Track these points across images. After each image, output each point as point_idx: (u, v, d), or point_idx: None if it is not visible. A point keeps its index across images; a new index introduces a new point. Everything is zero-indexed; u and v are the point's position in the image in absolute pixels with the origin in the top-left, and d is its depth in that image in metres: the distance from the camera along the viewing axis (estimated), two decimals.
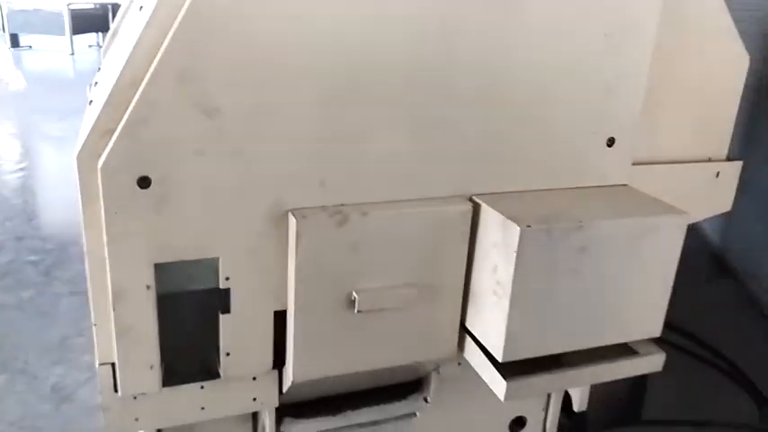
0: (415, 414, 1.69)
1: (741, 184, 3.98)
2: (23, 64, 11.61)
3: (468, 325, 1.36)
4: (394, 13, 1.15)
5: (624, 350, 1.43)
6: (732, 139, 1.90)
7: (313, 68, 1.13)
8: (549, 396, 1.85)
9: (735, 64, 1.76)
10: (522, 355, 1.26)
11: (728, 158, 1.88)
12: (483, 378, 1.33)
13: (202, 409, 1.30)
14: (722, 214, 4.24)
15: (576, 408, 1.77)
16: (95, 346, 1.20)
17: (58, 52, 12.35)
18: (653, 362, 1.39)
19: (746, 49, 1.77)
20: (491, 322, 1.27)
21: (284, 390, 1.34)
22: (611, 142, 1.40)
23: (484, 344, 1.31)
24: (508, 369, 1.28)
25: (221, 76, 1.06)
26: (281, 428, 1.45)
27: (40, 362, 2.74)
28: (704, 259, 4.24)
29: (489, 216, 1.26)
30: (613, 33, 1.31)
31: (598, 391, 2.08)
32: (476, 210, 1.29)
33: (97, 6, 12.62)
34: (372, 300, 1.24)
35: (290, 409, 1.47)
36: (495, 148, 1.31)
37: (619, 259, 1.26)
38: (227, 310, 1.21)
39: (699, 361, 3.05)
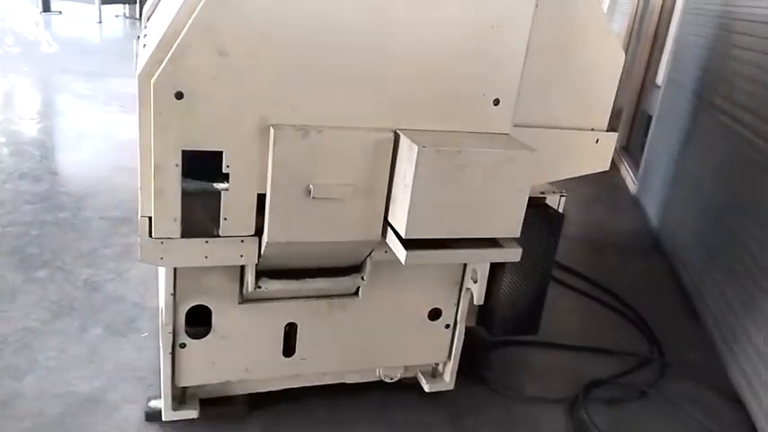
0: (357, 294, 2.34)
1: (679, 175, 4.82)
2: (53, 28, 12.25)
3: (389, 218, 2.00)
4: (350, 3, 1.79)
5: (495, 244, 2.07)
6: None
7: (288, 33, 1.76)
8: (459, 294, 2.50)
9: (612, 57, 2.38)
10: (419, 234, 1.90)
11: (608, 130, 2.50)
12: (393, 251, 1.97)
13: (206, 257, 1.95)
14: (661, 200, 4.91)
15: (475, 301, 2.41)
16: (139, 204, 1.85)
17: (86, 19, 13.01)
18: (512, 253, 2.03)
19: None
20: (400, 211, 1.91)
21: (262, 251, 1.98)
22: (496, 102, 2.03)
23: (395, 227, 1.95)
24: (410, 245, 1.93)
25: (230, 32, 1.70)
26: (259, 284, 2.10)
27: (74, 263, 3.40)
28: (643, 238, 4.88)
29: (404, 142, 1.90)
30: (498, 26, 1.94)
31: (504, 309, 2.72)
32: (396, 138, 1.93)
33: None
34: (323, 191, 1.88)
35: (266, 272, 2.12)
36: (415, 99, 1.95)
37: (486, 177, 1.89)
38: (226, 188, 1.85)
39: (607, 308, 3.69)
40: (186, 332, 2.19)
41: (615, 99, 2.50)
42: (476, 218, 1.95)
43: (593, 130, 2.47)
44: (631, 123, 6.94)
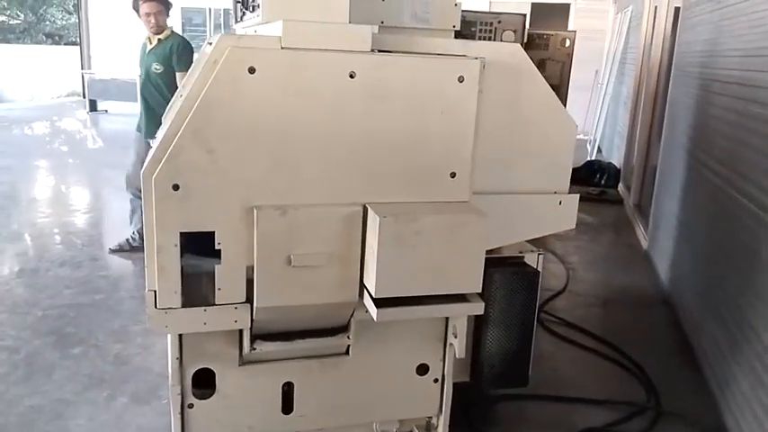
0: (347, 353, 2.60)
1: (680, 229, 5.08)
2: (99, 126, 13.21)
3: (364, 280, 2.27)
4: (320, 96, 2.13)
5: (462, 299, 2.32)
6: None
7: (265, 131, 2.11)
8: (444, 349, 2.72)
9: (565, 128, 2.66)
10: (388, 293, 2.16)
11: (570, 192, 2.76)
12: (369, 310, 2.23)
13: (204, 323, 2.24)
14: (668, 255, 5.08)
15: (457, 354, 2.62)
16: (146, 279, 2.17)
17: (129, 116, 13.96)
18: (475, 307, 2.27)
19: None
20: (370, 274, 2.19)
21: (254, 315, 2.26)
22: (453, 175, 2.32)
23: (367, 287, 2.22)
24: (381, 303, 2.19)
25: (216, 133, 2.06)
26: (254, 346, 2.38)
27: (106, 339, 3.74)
28: (652, 293, 5.00)
29: (370, 214, 2.19)
30: (446, 111, 2.26)
31: (491, 362, 2.92)
32: (365, 211, 2.23)
33: None
34: (302, 260, 2.18)
35: (261, 335, 2.40)
36: (380, 177, 2.26)
37: (442, 240, 2.16)
38: (219, 262, 2.17)
39: (609, 361, 3.82)
40: (193, 393, 2.46)
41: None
42: (438, 276, 2.21)
43: (555, 192, 2.73)
44: (642, 180, 7.13)
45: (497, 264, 2.87)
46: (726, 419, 3.18)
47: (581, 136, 12.61)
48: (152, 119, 5.05)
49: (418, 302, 2.24)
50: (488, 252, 2.56)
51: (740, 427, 3.00)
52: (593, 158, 9.85)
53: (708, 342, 3.67)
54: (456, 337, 2.63)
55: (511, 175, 2.63)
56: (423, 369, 2.73)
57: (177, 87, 4.82)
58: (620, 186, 8.38)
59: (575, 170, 7.61)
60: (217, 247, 2.16)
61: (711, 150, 4.11)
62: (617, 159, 9.08)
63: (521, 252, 2.97)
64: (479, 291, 2.28)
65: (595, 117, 11.55)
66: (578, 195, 2.77)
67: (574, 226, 2.80)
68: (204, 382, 2.48)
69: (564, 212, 2.76)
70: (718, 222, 3.85)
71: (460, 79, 2.24)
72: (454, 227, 2.17)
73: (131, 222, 5.34)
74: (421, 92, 2.23)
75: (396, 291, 2.18)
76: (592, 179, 8.59)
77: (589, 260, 5.72)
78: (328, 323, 2.47)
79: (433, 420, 2.86)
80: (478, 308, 2.29)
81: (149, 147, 4.76)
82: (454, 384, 2.84)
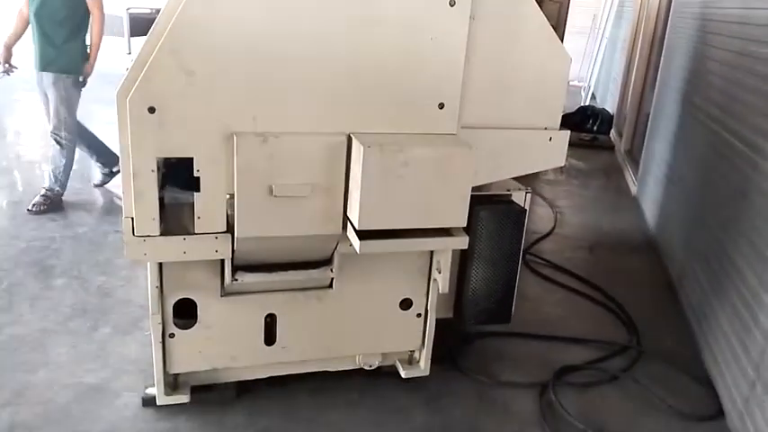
0: (331, 286, 2.57)
1: (669, 174, 5.03)
2: None
3: (347, 212, 2.23)
4: (301, 15, 2.04)
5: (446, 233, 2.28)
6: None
7: (247, 53, 2.02)
8: (428, 284, 2.71)
9: (558, 61, 2.58)
10: (371, 225, 2.12)
11: (561, 129, 2.70)
12: (351, 242, 2.20)
13: (184, 253, 2.20)
14: (655, 200, 5.07)
15: (440, 289, 2.61)
16: (123, 205, 2.11)
17: (117, 51, 13.59)
18: (459, 241, 2.24)
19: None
20: (353, 206, 2.14)
21: (235, 246, 2.22)
22: (441, 106, 2.25)
23: (351, 219, 2.18)
24: (364, 236, 2.15)
25: (195, 54, 1.97)
26: (236, 277, 2.34)
27: (89, 272, 3.70)
28: (638, 237, 5.00)
29: (354, 144, 2.13)
30: (436, 38, 2.17)
31: (475, 299, 2.91)
32: (349, 141, 2.17)
33: (153, 12, 13.78)
34: (284, 190, 2.12)
35: (243, 267, 2.37)
36: (366, 106, 2.18)
37: (428, 172, 2.11)
38: (198, 190, 2.11)
39: (592, 302, 3.84)
40: (174, 323, 2.44)
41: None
42: (423, 210, 2.17)
43: (546, 128, 2.67)
44: (634, 127, 7.06)
45: (484, 201, 2.83)
46: (704, 356, 3.22)
47: (575, 82, 12.45)
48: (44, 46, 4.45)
49: (402, 235, 2.20)
50: (475, 189, 2.52)
51: (717, 362, 3.03)
52: (586, 104, 9.74)
53: (691, 284, 3.69)
54: (440, 273, 2.61)
55: (501, 109, 2.56)
56: (406, 303, 2.72)
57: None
58: (613, 133, 8.31)
59: (567, 116, 7.69)
60: (195, 174, 2.10)
61: (707, 93, 4.04)
62: (611, 105, 8.98)
63: (508, 190, 2.92)
64: (464, 225, 2.25)
65: (591, 63, 11.37)
66: (569, 132, 2.71)
67: (563, 163, 2.75)
68: (186, 313, 2.46)
69: (554, 149, 2.70)
70: (708, 166, 3.81)
71: (451, 3, 2.15)
72: (441, 159, 2.12)
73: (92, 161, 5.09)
74: (409, 15, 2.14)
75: (379, 223, 2.14)
76: (584, 125, 8.50)
77: (578, 204, 5.71)
78: (311, 256, 2.43)
79: (416, 354, 2.87)
80: (463, 242, 2.26)
81: (42, 80, 4.42)
82: (437, 320, 2.85)
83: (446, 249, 2.40)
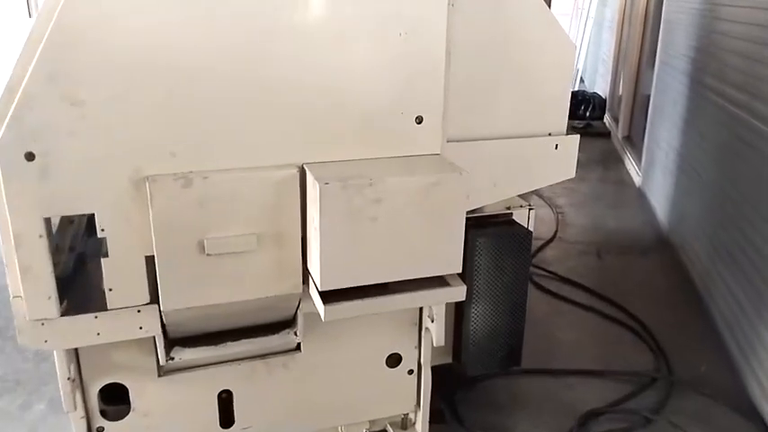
0: (299, 349, 2.07)
1: (680, 163, 4.40)
2: None
3: (308, 264, 1.72)
4: (229, 19, 1.53)
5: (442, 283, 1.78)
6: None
7: (157, 69, 1.50)
8: (419, 335, 2.21)
9: (560, 49, 2.08)
10: (336, 285, 1.62)
11: (567, 134, 2.20)
12: (315, 305, 1.69)
13: (98, 334, 1.69)
14: (665, 192, 4.56)
15: (434, 342, 2.12)
16: (8, 282, 1.60)
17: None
18: (455, 292, 1.74)
19: None
20: (314, 260, 1.64)
21: (164, 320, 1.72)
22: (419, 120, 1.75)
23: (312, 278, 1.68)
24: (330, 297, 1.65)
25: (81, 75, 1.45)
26: (171, 354, 1.83)
27: None
28: (648, 233, 4.52)
29: (309, 179, 1.62)
30: (407, 32, 1.66)
31: (477, 343, 2.42)
32: (303, 174, 1.66)
33: None
34: (219, 245, 1.61)
35: (181, 340, 1.86)
36: (321, 126, 1.67)
37: (409, 208, 1.61)
38: (105, 254, 1.60)
39: (608, 320, 3.36)
40: (103, 413, 1.93)
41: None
42: (405, 258, 1.66)
43: (550, 134, 2.17)
44: (631, 110, 6.58)
45: (481, 224, 2.34)
46: (747, 382, 2.74)
47: None
48: None
49: (380, 291, 1.70)
50: (470, 211, 2.03)
51: (764, 389, 2.56)
52: (575, 89, 9.25)
53: (720, 292, 3.21)
54: (433, 322, 2.11)
55: (494, 116, 2.07)
56: (394, 360, 2.22)
57: None
58: (607, 117, 7.82)
59: None
60: (100, 235, 1.59)
61: (722, 73, 3.55)
62: (601, 89, 8.49)
63: (508, 208, 2.43)
64: (459, 270, 1.75)
65: (577, 44, 10.88)
66: (578, 136, 2.21)
67: (573, 175, 2.26)
68: (118, 397, 1.96)
69: (561, 158, 2.21)
70: (730, 153, 3.33)
71: None
72: (425, 191, 1.62)
73: None
74: (372, 8, 1.63)
75: (348, 280, 1.64)
76: (576, 111, 8.01)
77: (578, 201, 5.22)
78: (268, 318, 1.93)
79: (410, 416, 2.37)
80: (459, 293, 1.76)
81: None
82: (434, 368, 2.36)
83: (439, 304, 1.90)
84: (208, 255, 1.61)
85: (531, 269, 3.83)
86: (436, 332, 2.09)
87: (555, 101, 2.14)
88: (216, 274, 1.65)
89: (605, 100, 8.01)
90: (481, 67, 1.97)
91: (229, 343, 1.89)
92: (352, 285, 1.64)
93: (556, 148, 2.17)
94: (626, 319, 3.33)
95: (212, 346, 1.87)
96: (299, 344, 2.05)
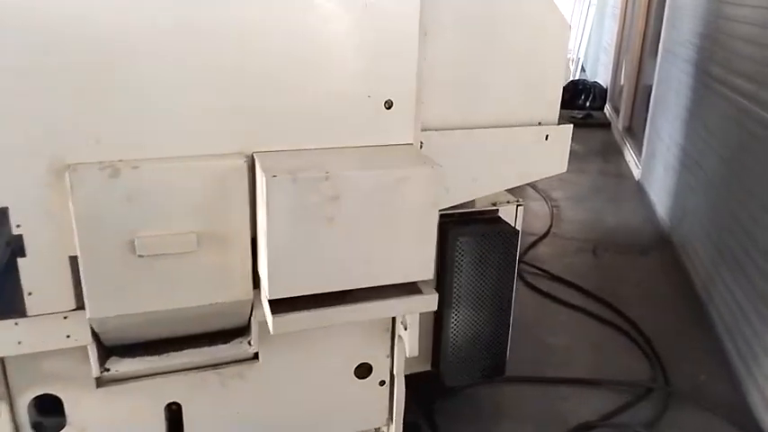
0: (256, 358, 1.87)
1: (681, 157, 4.11)
2: None
3: (259, 269, 1.52)
4: None
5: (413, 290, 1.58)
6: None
7: (80, 39, 1.29)
8: (392, 343, 2.00)
9: (556, 30, 1.86)
10: (287, 292, 1.41)
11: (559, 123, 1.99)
12: (264, 314, 1.49)
13: (19, 343, 1.49)
14: (665, 187, 4.33)
15: (407, 353, 1.92)
16: None
17: None
18: (424, 302, 1.53)
19: None
20: (262, 264, 1.43)
21: (94, 328, 1.51)
22: (388, 105, 1.53)
23: (262, 284, 1.47)
24: (281, 306, 1.44)
25: None
26: (107, 365, 1.63)
27: None
28: (647, 230, 4.31)
29: (257, 171, 1.41)
30: (373, 2, 1.44)
31: (457, 351, 2.23)
32: (254, 164, 1.45)
33: None
34: (153, 245, 1.40)
35: (118, 349, 1.66)
36: (276, 110, 1.46)
37: (372, 206, 1.40)
38: (22, 254, 1.39)
39: (602, 323, 3.15)
40: (35, 427, 1.73)
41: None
42: (368, 262, 1.46)
43: (540, 124, 1.96)
44: (633, 101, 6.35)
45: (463, 222, 2.14)
46: (749, 395, 2.55)
47: None
48: None
49: (339, 299, 1.49)
50: (452, 207, 1.84)
51: None
52: (576, 78, 9.01)
53: (722, 296, 3.01)
54: (406, 330, 1.91)
55: (478, 102, 1.86)
56: (364, 370, 2.02)
57: None
58: (607, 108, 7.60)
59: None
60: (15, 232, 1.38)
61: (729, 62, 3.32)
62: (602, 78, 8.25)
63: (494, 204, 2.23)
64: (431, 276, 1.54)
65: (578, 32, 10.62)
66: (571, 126, 2.00)
67: (565, 169, 2.05)
68: (53, 407, 1.76)
69: (552, 150, 1.99)
70: (736, 148, 3.11)
71: None
72: (392, 185, 1.40)
73: None
74: None
75: (301, 288, 1.43)
76: (576, 101, 7.79)
77: (575, 195, 5.01)
78: (217, 327, 1.72)
79: (383, 430, 2.17)
80: (430, 302, 1.55)
81: None
82: (411, 376, 2.16)
83: (409, 314, 1.69)
84: (139, 256, 1.40)
85: (523, 267, 3.63)
86: (409, 342, 1.89)
87: (546, 87, 1.93)
88: (149, 279, 1.44)
89: (606, 90, 7.77)
90: (465, 47, 1.76)
91: (173, 353, 1.68)
92: (305, 294, 1.43)
93: (546, 138, 1.96)
94: (622, 323, 3.12)
95: (154, 357, 1.67)
96: (256, 352, 1.85)
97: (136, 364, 1.65)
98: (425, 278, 1.52)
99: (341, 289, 1.46)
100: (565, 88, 7.47)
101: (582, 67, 10.19)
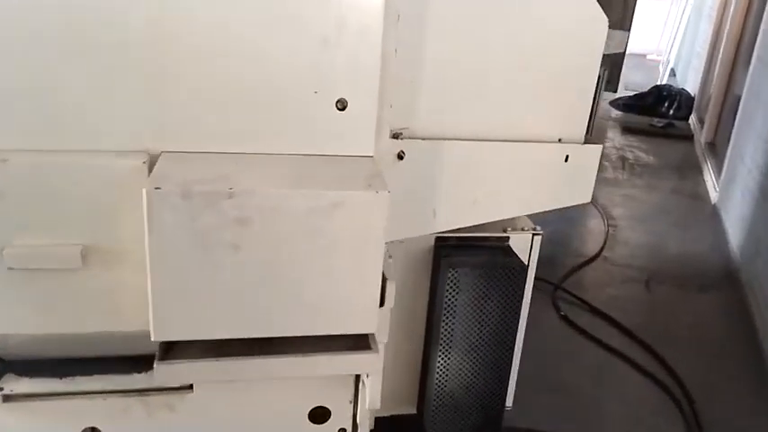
0: (191, 388, 1.59)
1: (765, 181, 3.47)
2: None
3: None
4: None
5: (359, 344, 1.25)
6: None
7: None
8: (356, 386, 1.68)
9: (588, 25, 1.48)
10: (174, 335, 1.12)
11: (587, 141, 1.60)
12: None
13: None
14: (743, 214, 3.76)
15: (367, 405, 1.59)
16: None
17: None
18: (363, 361, 1.20)
19: None
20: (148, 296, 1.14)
21: None
22: (342, 106, 1.20)
23: None
24: (176, 350, 1.15)
25: None
26: (1, 384, 1.39)
27: None
28: (716, 263, 3.78)
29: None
30: None
31: (444, 398, 1.89)
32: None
33: None
34: (25, 257, 1.14)
35: (18, 365, 1.41)
36: (188, 99, 1.16)
37: (297, 237, 1.08)
38: None
39: (642, 374, 2.72)
40: None
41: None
42: (287, 306, 1.14)
43: (560, 140, 1.57)
44: (719, 113, 5.70)
45: (462, 248, 1.78)
46: None
47: (653, 56, 10.92)
48: None
49: (253, 348, 1.19)
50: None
51: None
52: (663, 83, 8.29)
53: None
54: (368, 377, 1.58)
55: (477, 108, 1.49)
56: (321, 415, 1.70)
57: None
58: (693, 118, 6.91)
59: (639, 96, 6.05)
60: None
61: None
62: (692, 85, 7.53)
63: (505, 230, 1.86)
64: (374, 330, 1.21)
65: (672, 33, 9.83)
66: (600, 147, 1.61)
67: (588, 199, 1.65)
68: None
69: (573, 175, 1.61)
70: None
71: None
72: (322, 213, 1.08)
73: None
74: None
75: (193, 331, 1.13)
76: (658, 108, 7.11)
77: (639, 214, 4.49)
78: (130, 351, 1.44)
79: None
80: (367, 363, 1.22)
81: None
82: (396, 417, 1.85)
83: (339, 373, 1.36)
84: (10, 269, 1.14)
85: (559, 294, 3.22)
86: (370, 393, 1.56)
87: (570, 94, 1.54)
88: (23, 296, 1.17)
89: (694, 98, 7.08)
90: (465, 37, 1.40)
91: (79, 377, 1.42)
92: (199, 338, 1.13)
93: (566, 160, 1.57)
94: (665, 376, 2.67)
95: (54, 379, 1.41)
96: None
97: (35, 385, 1.40)
98: (365, 332, 1.19)
99: (246, 336, 1.15)
100: (647, 93, 6.78)
101: (672, 70, 9.42)
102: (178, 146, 1.17)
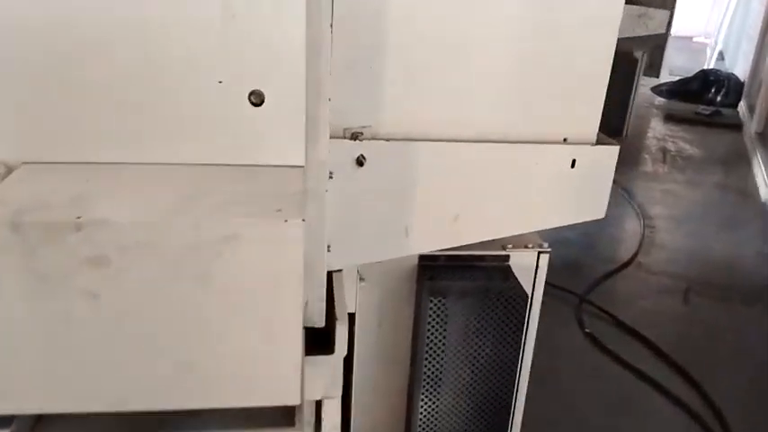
0: None
1: None
2: None
3: None
4: None
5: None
6: None
7: None
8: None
9: (595, 3, 1.14)
10: (13, 407, 0.84)
11: (603, 140, 1.27)
12: None
13: None
14: None
15: None
16: None
17: None
18: None
19: None
20: None
21: None
22: (258, 101, 0.90)
23: None
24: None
25: None
26: None
27: None
28: (763, 273, 3.38)
29: None
30: None
31: None
32: None
33: None
34: None
35: None
36: (52, 102, 0.88)
37: (175, 281, 0.79)
38: None
39: (675, 405, 2.38)
40: None
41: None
42: (168, 370, 0.85)
43: (565, 141, 1.25)
44: None
45: (450, 270, 1.48)
46: None
47: (701, 38, 10.32)
48: None
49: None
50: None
51: None
52: (710, 67, 7.75)
53: None
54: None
55: (454, 100, 1.18)
56: None
57: None
58: (742, 106, 6.40)
59: (683, 81, 5.63)
60: None
61: None
62: (741, 70, 7.00)
63: (505, 247, 1.54)
64: (297, 402, 0.91)
65: (722, 14, 9.23)
66: (617, 149, 1.27)
67: (602, 214, 1.32)
68: None
69: (581, 184, 1.28)
70: None
71: None
72: (212, 249, 0.78)
73: None
74: None
75: (41, 403, 0.85)
76: (704, 94, 6.62)
77: (679, 214, 4.09)
78: None
79: None
80: None
81: None
82: None
83: None
84: None
85: (584, 306, 2.88)
86: None
87: (575, 84, 1.21)
88: None
89: (743, 84, 6.56)
90: (442, 6, 1.08)
91: None
92: (46, 412, 0.85)
93: (573, 165, 1.24)
94: (700, 405, 2.32)
95: None
96: None
97: None
98: (285, 404, 0.90)
99: (127, 410, 0.86)
100: (692, 78, 6.29)
101: (720, 53, 8.84)
102: (42, 155, 0.89)
